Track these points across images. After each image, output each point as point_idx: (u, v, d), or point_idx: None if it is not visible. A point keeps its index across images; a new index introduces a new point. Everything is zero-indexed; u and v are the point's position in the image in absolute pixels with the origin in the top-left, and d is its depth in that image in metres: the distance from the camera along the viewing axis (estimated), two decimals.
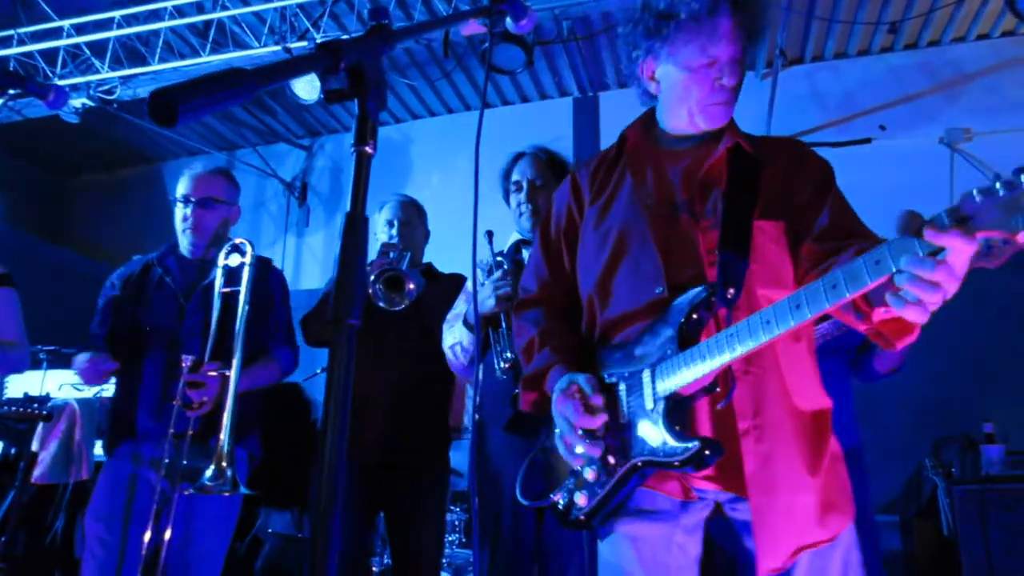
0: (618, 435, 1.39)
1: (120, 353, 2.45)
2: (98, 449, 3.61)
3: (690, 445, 1.27)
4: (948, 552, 3.59)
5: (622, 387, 1.42)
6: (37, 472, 3.52)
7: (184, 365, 2.30)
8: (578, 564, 1.95)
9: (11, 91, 2.36)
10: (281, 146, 6.71)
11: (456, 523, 3.75)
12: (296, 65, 0.98)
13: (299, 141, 6.69)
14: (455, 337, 2.32)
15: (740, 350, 1.25)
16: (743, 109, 1.56)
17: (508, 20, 1.42)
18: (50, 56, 5.07)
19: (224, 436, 2.20)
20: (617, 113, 5.65)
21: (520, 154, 2.51)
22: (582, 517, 1.43)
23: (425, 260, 3.01)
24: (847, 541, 1.38)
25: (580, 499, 1.43)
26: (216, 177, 2.62)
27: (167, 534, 2.25)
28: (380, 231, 2.88)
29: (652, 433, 1.33)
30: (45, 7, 4.86)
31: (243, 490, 2.28)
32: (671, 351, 1.35)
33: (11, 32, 4.99)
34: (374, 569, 3.35)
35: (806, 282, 1.37)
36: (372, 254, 2.65)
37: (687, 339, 1.34)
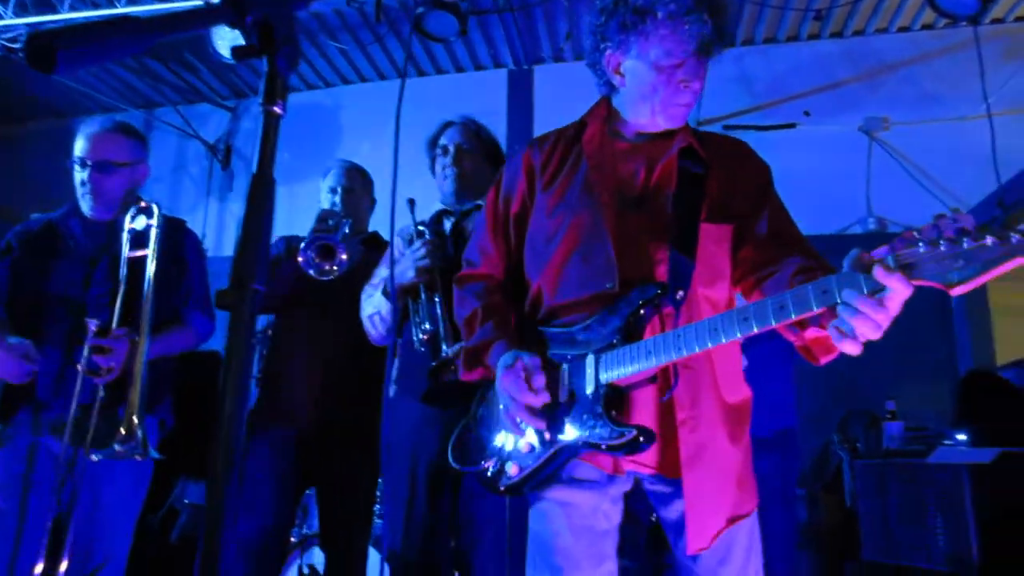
0: (557, 413, 1.47)
1: (19, 320, 2.31)
2: None
3: (626, 432, 1.36)
4: (850, 522, 3.79)
5: (565, 367, 1.49)
6: None
7: (90, 330, 2.17)
8: (492, 535, 1.97)
9: None
10: (204, 106, 6.42)
11: (378, 495, 3.72)
12: (196, 16, 0.92)
13: (224, 102, 6.41)
14: (373, 307, 2.28)
15: (686, 352, 1.34)
16: None
17: None
18: None
19: (134, 403, 2.12)
20: (552, 88, 5.63)
21: (449, 122, 2.48)
22: (511, 485, 1.51)
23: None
24: (752, 516, 1.52)
25: (511, 468, 1.51)
26: (114, 136, 2.40)
27: (72, 504, 2.16)
28: (323, 198, 2.80)
29: (591, 416, 1.41)
30: None
31: (153, 454, 2.20)
32: (617, 341, 1.43)
33: None
34: (292, 540, 3.31)
35: (743, 286, 1.52)
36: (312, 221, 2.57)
37: (632, 332, 1.43)
